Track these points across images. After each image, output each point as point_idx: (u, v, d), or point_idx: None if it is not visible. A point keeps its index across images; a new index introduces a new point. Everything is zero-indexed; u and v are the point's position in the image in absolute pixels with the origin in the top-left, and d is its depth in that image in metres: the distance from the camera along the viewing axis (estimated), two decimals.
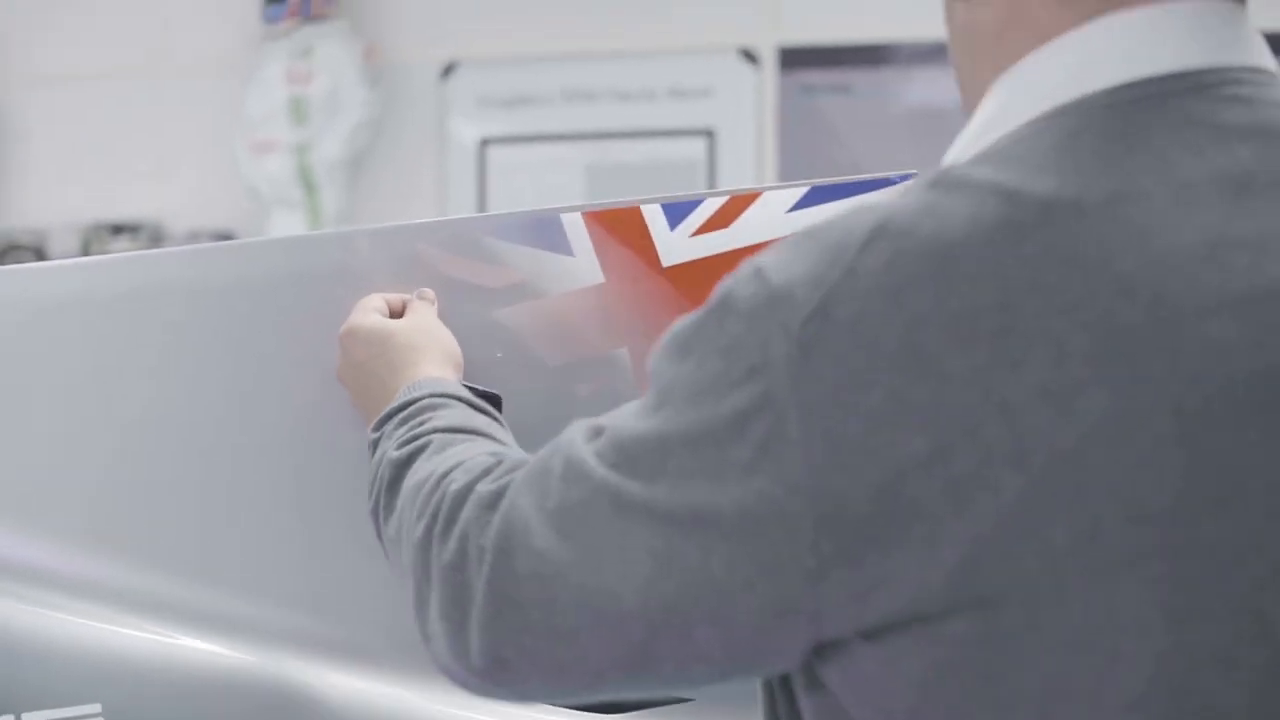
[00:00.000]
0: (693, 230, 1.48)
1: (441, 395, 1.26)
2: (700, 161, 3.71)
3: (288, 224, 3.75)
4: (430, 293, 1.46)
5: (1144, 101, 0.90)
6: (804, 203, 1.48)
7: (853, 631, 0.87)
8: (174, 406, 1.47)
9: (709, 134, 3.71)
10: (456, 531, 1.00)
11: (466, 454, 1.11)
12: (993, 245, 0.84)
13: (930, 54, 3.68)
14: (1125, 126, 0.89)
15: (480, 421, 1.22)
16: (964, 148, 0.94)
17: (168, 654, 1.44)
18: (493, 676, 0.97)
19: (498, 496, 0.99)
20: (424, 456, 1.16)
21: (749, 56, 3.72)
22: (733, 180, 3.69)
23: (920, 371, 0.83)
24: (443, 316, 1.47)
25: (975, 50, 0.97)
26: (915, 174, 1.50)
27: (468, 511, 1.00)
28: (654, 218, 1.49)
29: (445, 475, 1.07)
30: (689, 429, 0.89)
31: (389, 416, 1.27)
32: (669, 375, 0.92)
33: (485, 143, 3.82)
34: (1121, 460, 0.82)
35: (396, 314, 1.45)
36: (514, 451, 1.13)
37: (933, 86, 3.64)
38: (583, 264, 1.47)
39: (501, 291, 1.48)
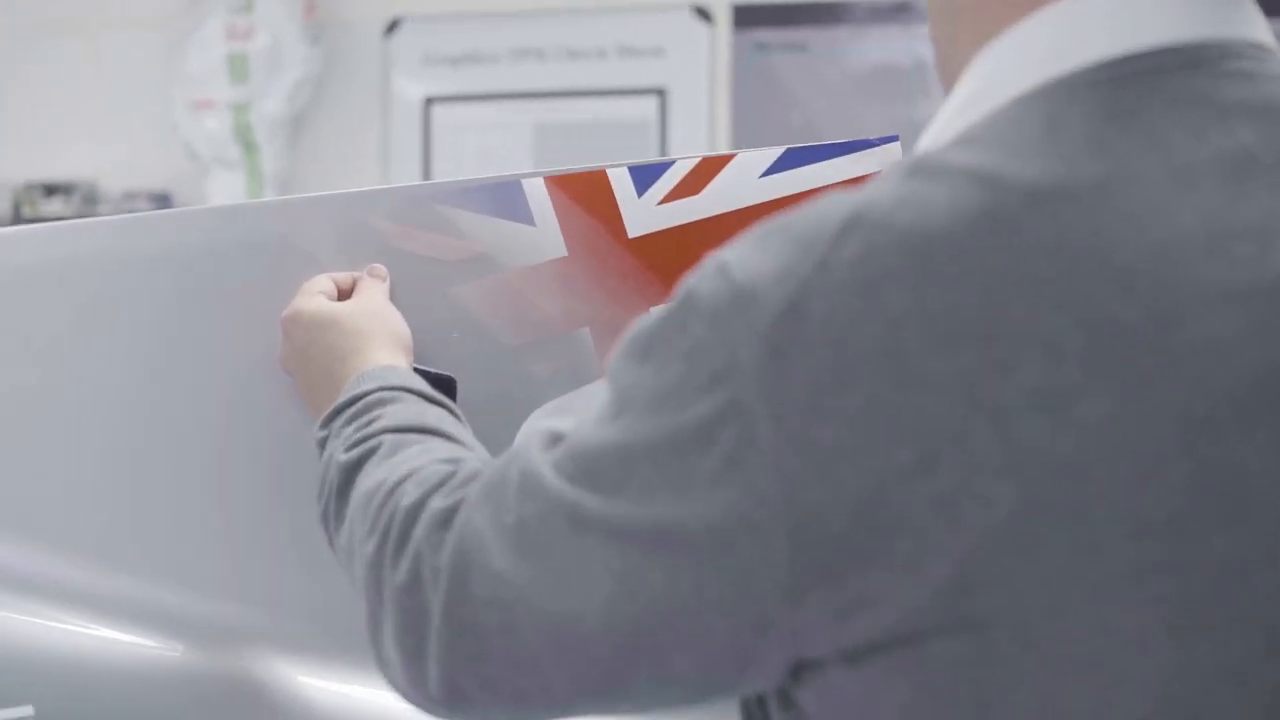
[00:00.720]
0: (661, 197, 1.42)
1: (392, 388, 1.19)
2: (652, 121, 3.64)
3: (226, 184, 3.66)
4: (381, 269, 1.38)
5: (1137, 77, 0.83)
6: (778, 166, 1.42)
7: (832, 652, 0.80)
8: (104, 388, 1.39)
9: (661, 93, 3.64)
10: (409, 551, 0.94)
11: (419, 461, 1.04)
12: (975, 236, 0.77)
13: (885, 12, 3.61)
14: (1117, 105, 0.82)
15: (433, 417, 1.15)
16: (943, 127, 0.88)
17: (103, 651, 1.37)
18: (453, 706, 0.91)
19: (451, 513, 0.92)
20: (373, 461, 1.09)
21: (702, 14, 3.65)
22: (685, 140, 3.62)
23: (901, 375, 0.76)
24: (395, 293, 1.39)
25: (957, 20, 0.90)
26: (896, 137, 1.45)
27: (420, 530, 0.94)
28: (620, 182, 1.42)
29: (396, 487, 1.01)
30: (650, 439, 0.82)
31: (336, 413, 1.19)
32: (628, 380, 0.85)
33: (430, 101, 3.73)
34: (1123, 470, 0.76)
35: (345, 294, 1.37)
36: (470, 456, 1.05)
37: (888, 44, 3.58)
38: (544, 235, 1.40)
39: (458, 265, 1.41)
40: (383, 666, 0.97)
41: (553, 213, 1.39)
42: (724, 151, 1.43)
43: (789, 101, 3.62)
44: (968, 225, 0.78)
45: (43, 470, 1.38)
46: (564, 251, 1.41)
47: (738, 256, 0.83)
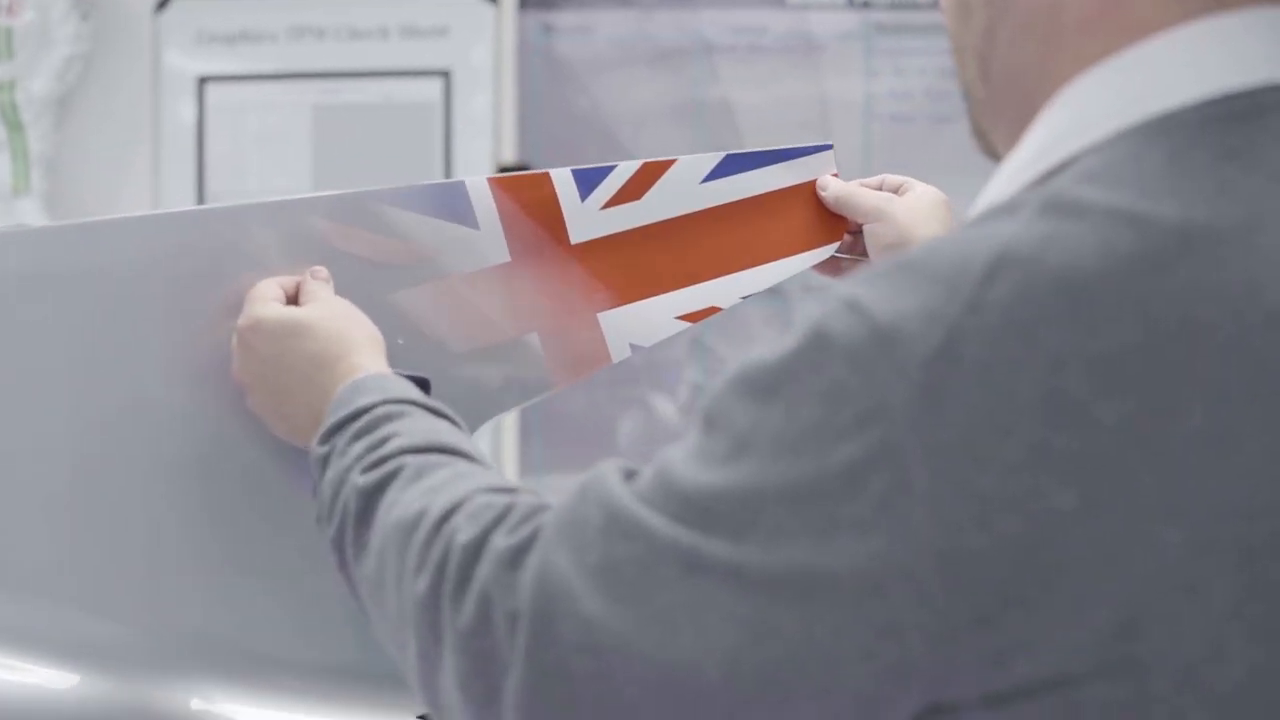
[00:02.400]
0: (604, 201, 1.43)
1: (396, 400, 1.15)
2: (436, 103, 3.57)
3: None
4: (323, 271, 1.34)
5: (1246, 115, 0.84)
6: (718, 172, 1.46)
7: (975, 697, 0.80)
8: (32, 404, 1.32)
9: (445, 75, 3.58)
10: (474, 592, 0.90)
11: (458, 490, 1.01)
12: (1133, 279, 0.78)
13: None
14: (1233, 143, 0.83)
15: (448, 434, 1.11)
16: (1037, 155, 0.88)
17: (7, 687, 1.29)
18: None
19: (521, 552, 0.89)
20: (397, 486, 1.06)
21: None
22: (470, 124, 3.56)
23: (1065, 419, 0.77)
24: (341, 297, 1.35)
25: (1048, 37, 0.89)
26: (830, 145, 1.48)
27: (485, 569, 0.90)
28: (564, 186, 1.43)
29: (444, 520, 0.97)
30: (785, 483, 0.80)
31: (339, 427, 1.14)
32: (745, 420, 0.82)
33: (204, 80, 3.61)
34: None
35: (292, 299, 1.31)
36: (518, 486, 1.01)
37: (676, 28, 3.57)
38: (487, 239, 1.38)
39: (401, 269, 1.38)
40: (437, 710, 0.94)
41: (496, 216, 1.38)
42: (664, 158, 1.44)
43: (576, 85, 3.59)
44: (1123, 267, 0.78)
45: None
46: (507, 257, 1.41)
47: (870, 294, 0.81)
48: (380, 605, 1.02)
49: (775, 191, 1.44)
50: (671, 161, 1.43)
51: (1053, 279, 0.78)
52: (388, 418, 1.13)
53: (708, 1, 3.57)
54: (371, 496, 1.07)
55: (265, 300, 1.28)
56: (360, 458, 1.10)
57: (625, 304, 1.42)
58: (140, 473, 1.33)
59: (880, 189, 1.46)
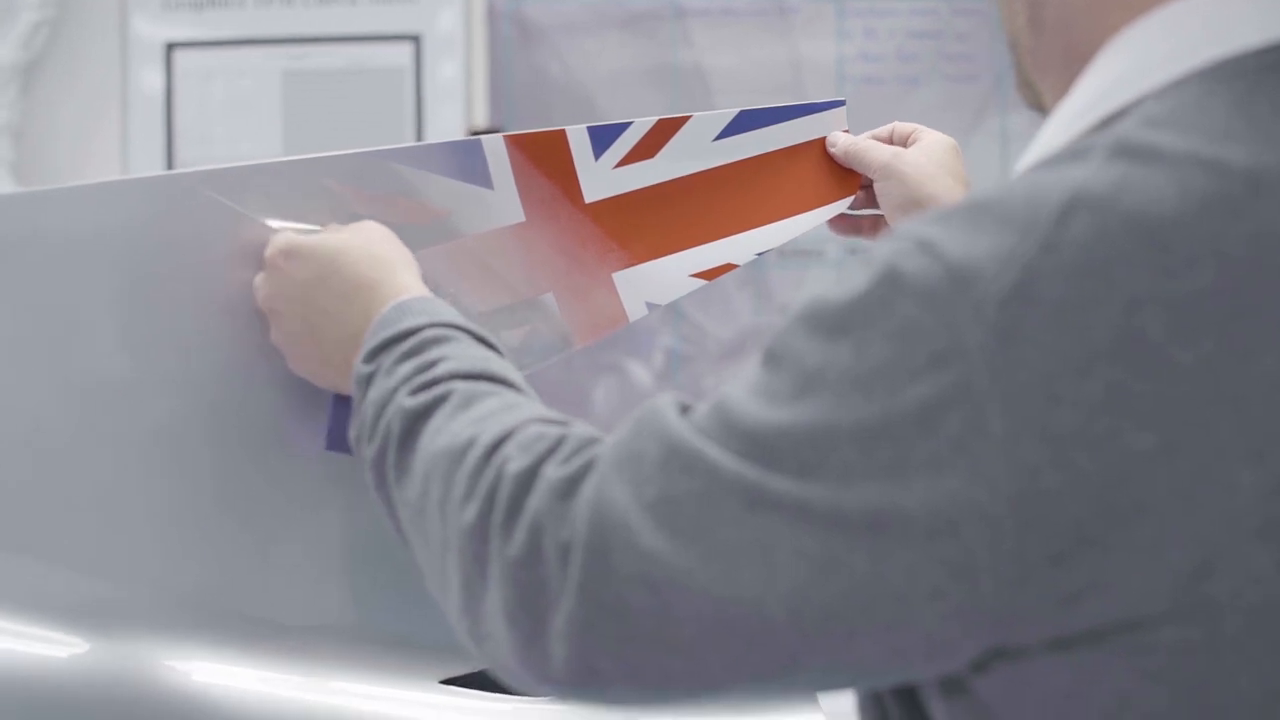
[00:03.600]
0: (617, 160, 1.41)
1: (443, 324, 1.12)
2: (407, 68, 3.55)
3: None
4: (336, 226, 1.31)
5: None
6: (730, 130, 1.44)
7: (1043, 640, 0.80)
8: (51, 372, 1.29)
9: (415, 39, 3.55)
10: (524, 522, 0.88)
11: (509, 419, 0.98)
12: (1209, 222, 0.79)
13: None
14: None
15: (494, 361, 1.10)
16: (1096, 100, 0.88)
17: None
18: (581, 687, 0.87)
19: (574, 483, 0.88)
20: (444, 411, 1.03)
21: None
22: (441, 90, 3.54)
23: (1142, 361, 0.77)
24: None
25: None
26: (843, 101, 1.47)
27: (537, 499, 0.89)
28: (579, 143, 1.40)
29: (495, 448, 0.95)
30: (855, 422, 0.79)
31: (385, 346, 1.12)
32: (814, 358, 0.82)
33: (172, 46, 3.57)
34: None
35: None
36: (571, 423, 0.98)
37: None
38: (502, 199, 1.36)
39: (417, 229, 1.36)
40: (478, 640, 0.93)
41: (511, 175, 1.36)
42: (679, 114, 1.42)
43: (548, 49, 3.57)
44: (1198, 211, 0.79)
45: None
46: (521, 217, 1.39)
47: (942, 234, 0.81)
48: (420, 531, 1.00)
49: (788, 148, 1.44)
50: (685, 119, 1.41)
51: (1128, 221, 0.79)
52: (435, 341, 1.10)
53: None
54: (418, 419, 1.04)
55: (293, 232, 1.26)
56: (408, 379, 1.07)
57: (640, 263, 1.41)
58: (136, 435, 1.31)
59: (890, 140, 1.45)
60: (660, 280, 1.41)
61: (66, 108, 3.55)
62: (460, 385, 1.05)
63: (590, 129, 1.39)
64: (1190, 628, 0.78)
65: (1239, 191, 0.80)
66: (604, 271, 1.40)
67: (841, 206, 1.45)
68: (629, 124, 1.40)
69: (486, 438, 0.96)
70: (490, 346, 1.13)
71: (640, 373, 3.52)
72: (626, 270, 1.40)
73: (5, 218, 1.28)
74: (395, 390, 1.07)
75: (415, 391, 1.06)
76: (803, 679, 0.83)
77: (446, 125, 3.52)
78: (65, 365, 1.28)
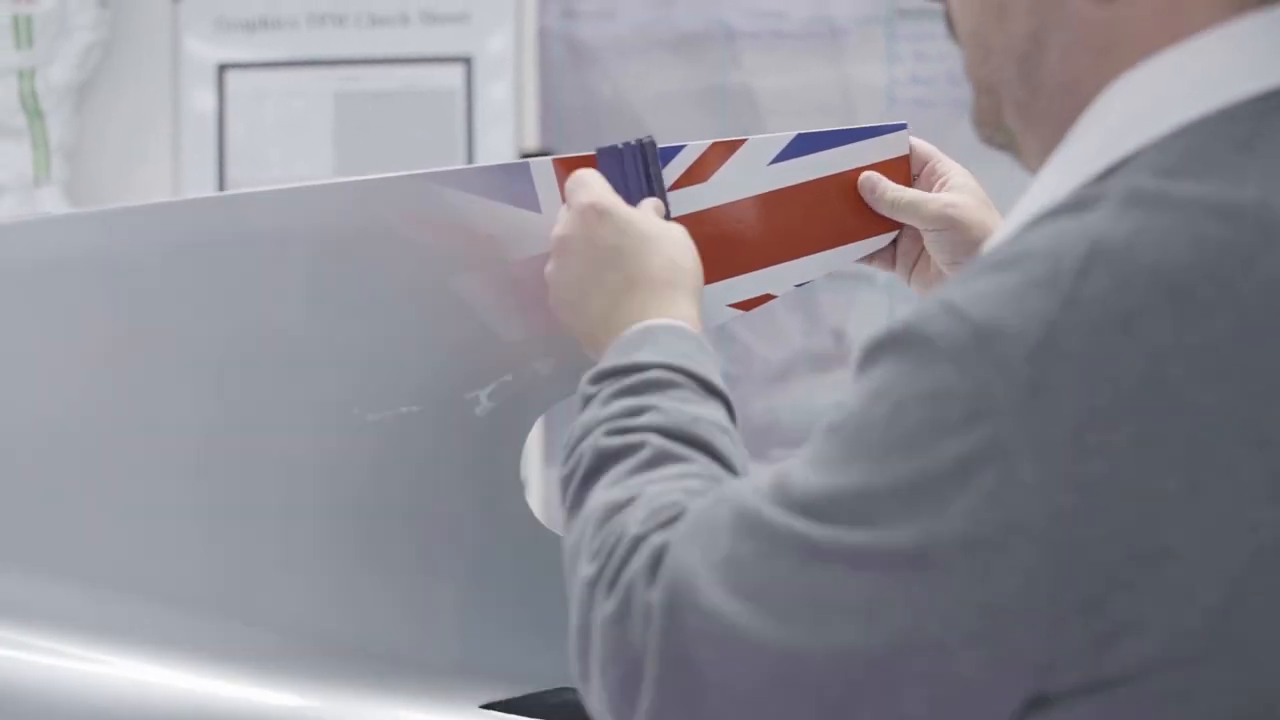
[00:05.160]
0: (668, 185, 1.39)
1: (673, 369, 1.13)
2: (458, 90, 3.55)
3: (10, 155, 3.48)
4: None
5: None
6: (787, 153, 1.41)
7: (1081, 684, 0.82)
8: (101, 391, 1.30)
9: (467, 61, 3.56)
10: (622, 583, 0.95)
11: (658, 490, 1.01)
12: (1223, 271, 0.82)
13: None
14: None
15: (704, 423, 1.09)
16: (1098, 150, 0.90)
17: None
18: None
19: (665, 549, 0.94)
20: (629, 463, 1.06)
21: None
22: (493, 111, 3.54)
23: (1167, 407, 0.80)
24: (397, 282, 1.33)
25: (1106, 49, 0.91)
26: (905, 125, 1.43)
27: (636, 562, 0.95)
28: None
29: (627, 507, 1.00)
30: (897, 481, 0.84)
31: (612, 374, 1.13)
32: (857, 424, 0.86)
33: (224, 68, 3.59)
34: None
35: None
36: (698, 485, 1.02)
37: (699, 13, 3.55)
38: (549, 222, 1.36)
39: (459, 254, 1.36)
40: (581, 681, 0.98)
41: (559, 199, 1.35)
42: (734, 137, 1.40)
43: (598, 71, 3.57)
44: (1214, 259, 0.82)
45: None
46: None
47: (964, 296, 0.84)
48: (571, 567, 1.04)
49: (841, 174, 1.40)
50: (741, 142, 1.39)
51: (1147, 272, 0.82)
52: (656, 385, 1.11)
53: None
54: (605, 460, 1.07)
55: (606, 191, 1.27)
56: (613, 419, 1.09)
57: None
58: (196, 462, 1.31)
59: (918, 176, 1.42)
60: None
61: (119, 128, 3.57)
62: (657, 441, 1.06)
63: None
64: (1225, 668, 0.80)
65: (1251, 238, 0.83)
66: None
67: (887, 239, 1.42)
68: (682, 147, 1.39)
69: (635, 503, 1.00)
70: (717, 396, 1.13)
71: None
72: None
73: (29, 241, 1.31)
74: (600, 423, 1.09)
75: (613, 433, 1.08)
76: None
77: (497, 147, 3.53)
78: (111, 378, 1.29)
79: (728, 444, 1.09)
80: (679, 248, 1.25)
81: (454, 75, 3.56)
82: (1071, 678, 0.82)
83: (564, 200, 1.34)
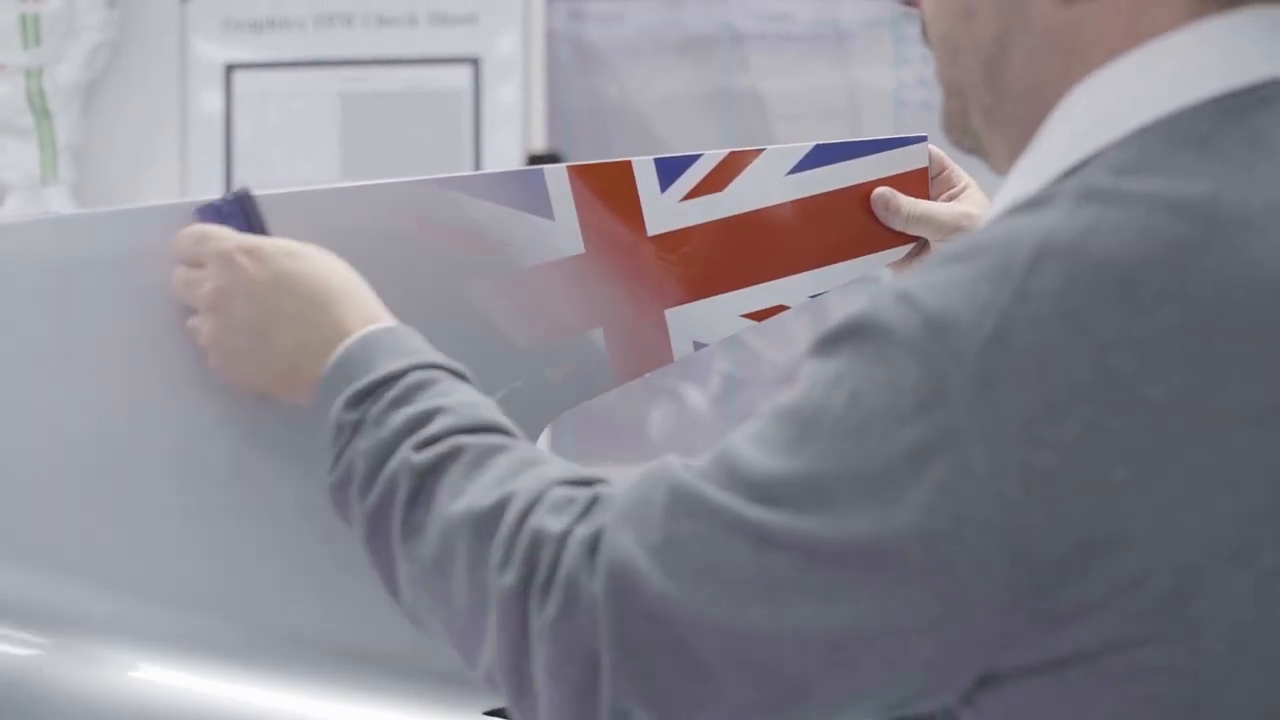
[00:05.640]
0: (684, 193, 1.39)
1: (424, 366, 1.13)
2: (465, 91, 3.55)
3: (17, 154, 3.48)
4: None
5: (1263, 104, 0.89)
6: (805, 164, 1.41)
7: (1033, 663, 0.84)
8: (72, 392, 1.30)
9: (474, 62, 3.56)
10: (560, 581, 0.94)
11: (535, 482, 1.01)
12: (1172, 263, 0.83)
13: None
14: (1254, 131, 0.88)
15: (484, 407, 1.10)
16: (1063, 151, 0.91)
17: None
18: None
19: (597, 539, 0.94)
20: (458, 470, 1.04)
21: None
22: (500, 112, 3.54)
23: (1116, 399, 0.82)
24: (410, 287, 1.33)
25: (1070, 52, 0.93)
26: (925, 137, 1.43)
27: (569, 558, 0.94)
28: (644, 175, 1.38)
29: (527, 513, 0.98)
30: (851, 468, 0.85)
31: (369, 392, 1.10)
32: (810, 408, 0.87)
33: (231, 68, 3.59)
34: None
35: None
36: (596, 482, 1.02)
37: (706, 16, 3.55)
38: (562, 230, 1.35)
39: (472, 260, 1.35)
40: (519, 699, 0.97)
41: (572, 206, 1.35)
42: (751, 147, 1.39)
43: (606, 73, 3.57)
44: (1162, 252, 0.84)
45: None
46: (581, 248, 1.38)
47: (920, 285, 0.86)
48: (440, 590, 1.02)
49: (859, 185, 1.40)
50: (758, 151, 1.38)
51: (1097, 265, 0.83)
52: (421, 386, 1.10)
53: None
54: (426, 477, 1.05)
55: (238, 255, 1.21)
56: (408, 432, 1.07)
57: (695, 299, 1.39)
58: (177, 460, 1.31)
59: (934, 183, 1.42)
60: (711, 319, 1.39)
61: (126, 128, 3.57)
62: (467, 440, 1.05)
63: (657, 160, 1.37)
64: (1174, 650, 0.82)
65: (1201, 231, 0.84)
66: (657, 307, 1.38)
67: (902, 253, 1.42)
68: (698, 156, 1.38)
69: (519, 503, 0.99)
70: (466, 379, 1.13)
71: (696, 397, 3.51)
72: (680, 307, 1.39)
73: (20, 240, 1.31)
74: (395, 444, 1.07)
75: (420, 447, 1.06)
76: (817, 710, 0.88)
77: (504, 148, 3.53)
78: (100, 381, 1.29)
79: (500, 413, 1.10)
80: (328, 257, 1.21)
81: (461, 76, 3.56)
82: (1023, 657, 0.84)
83: (577, 209, 1.34)
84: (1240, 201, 0.85)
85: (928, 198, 1.41)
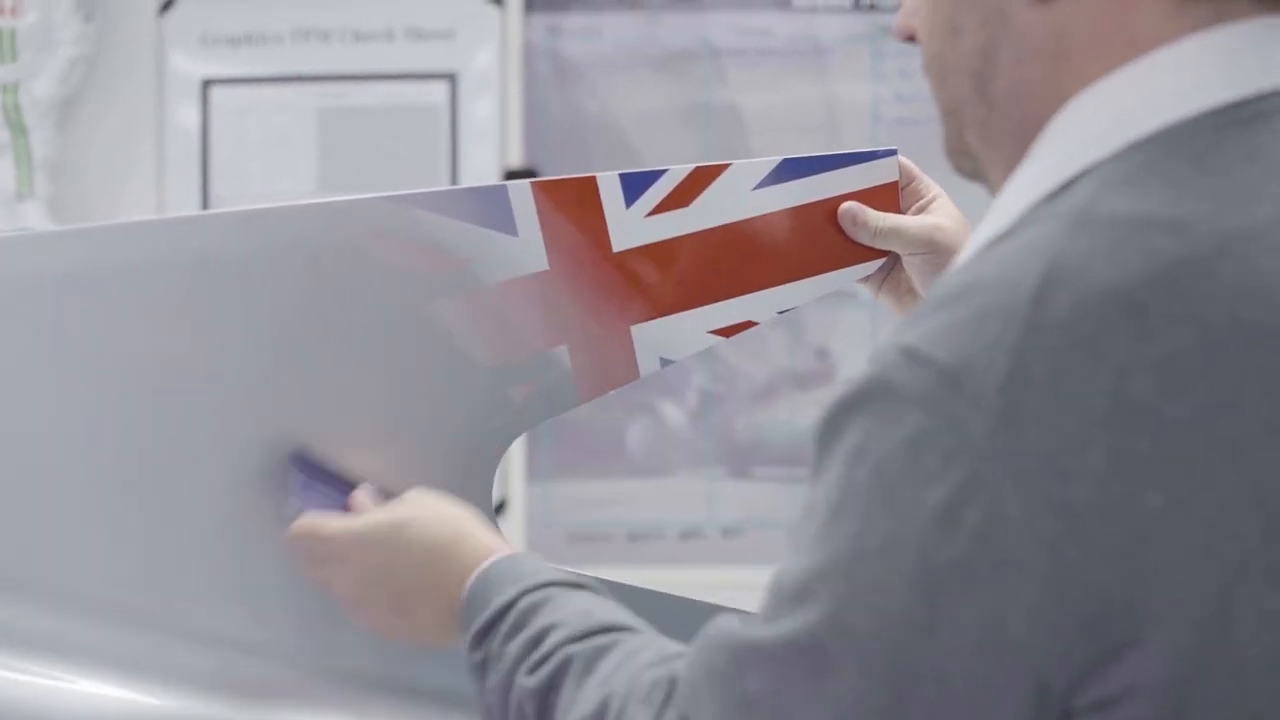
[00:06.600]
0: (650, 208, 1.38)
1: (535, 587, 1.15)
2: (442, 106, 3.55)
3: None
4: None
5: (1260, 119, 0.88)
6: (771, 178, 1.40)
7: (1090, 702, 0.83)
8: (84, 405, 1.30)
9: (451, 78, 3.55)
10: None
11: (630, 675, 1.01)
12: (1179, 283, 0.82)
13: None
14: (1251, 147, 0.87)
15: (596, 610, 1.12)
16: (1052, 169, 0.90)
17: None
18: None
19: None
20: (570, 682, 1.06)
21: None
22: (477, 128, 3.54)
23: (1139, 424, 0.81)
24: (371, 306, 1.33)
25: (1056, 57, 0.91)
26: (895, 151, 1.41)
27: None
28: (609, 190, 1.38)
29: (621, 711, 0.98)
30: (885, 540, 0.83)
31: (487, 630, 1.13)
32: (836, 490, 0.85)
33: (208, 83, 3.58)
34: None
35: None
36: (681, 653, 1.01)
37: (683, 31, 3.55)
38: (526, 246, 1.35)
39: (434, 277, 1.35)
40: None
41: (536, 222, 1.34)
42: (717, 162, 1.39)
43: (583, 88, 3.56)
44: (1169, 273, 0.82)
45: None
46: (545, 265, 1.37)
47: (923, 337, 0.84)
48: None
49: (827, 200, 1.38)
50: (724, 166, 1.37)
51: (1104, 291, 0.82)
52: (533, 609, 1.12)
53: (714, 4, 3.55)
54: (545, 696, 1.07)
55: (342, 516, 1.25)
56: (521, 659, 1.10)
57: (661, 316, 1.38)
58: (173, 478, 1.31)
59: (902, 194, 1.42)
60: (678, 335, 1.38)
61: (103, 143, 3.56)
62: (575, 649, 1.07)
63: (623, 176, 1.37)
64: (1219, 682, 0.81)
65: (1205, 251, 0.83)
66: (623, 323, 1.38)
67: (872, 268, 1.41)
68: (663, 171, 1.37)
69: (616, 702, 0.99)
70: (584, 587, 1.15)
71: (673, 412, 3.50)
72: (646, 323, 1.38)
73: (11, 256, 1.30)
74: (512, 673, 1.10)
75: (532, 670, 1.08)
76: None
77: (482, 164, 3.52)
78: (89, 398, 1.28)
79: (623, 612, 1.11)
80: (431, 504, 1.24)
81: (439, 91, 3.56)
82: (1080, 698, 0.82)
83: (541, 225, 1.33)
84: (1243, 218, 0.84)
85: (898, 211, 1.39)
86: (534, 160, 3.52)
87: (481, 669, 1.13)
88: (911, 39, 1.03)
